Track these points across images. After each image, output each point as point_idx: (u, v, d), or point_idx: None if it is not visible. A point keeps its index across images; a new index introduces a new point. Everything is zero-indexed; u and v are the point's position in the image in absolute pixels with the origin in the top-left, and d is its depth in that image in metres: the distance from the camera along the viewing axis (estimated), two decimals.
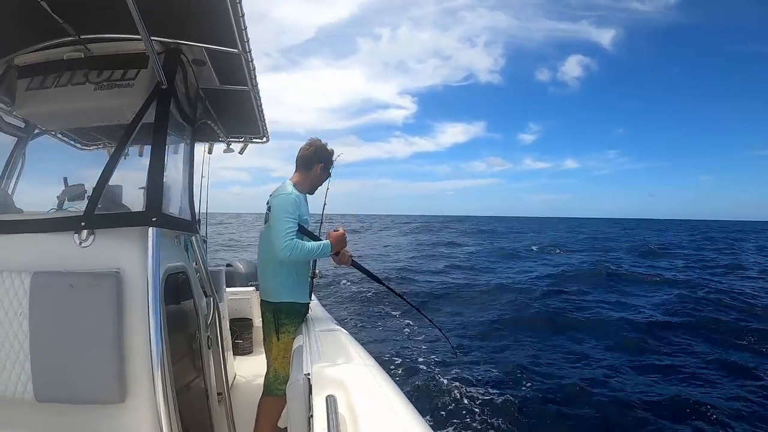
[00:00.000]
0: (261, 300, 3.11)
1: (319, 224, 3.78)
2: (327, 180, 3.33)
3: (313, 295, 4.27)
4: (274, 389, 2.85)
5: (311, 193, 3.24)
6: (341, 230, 3.09)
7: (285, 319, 2.98)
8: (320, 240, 3.04)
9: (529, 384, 7.07)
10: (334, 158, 3.27)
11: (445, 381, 7.03)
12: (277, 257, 2.81)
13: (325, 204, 3.66)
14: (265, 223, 3.07)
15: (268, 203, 3.04)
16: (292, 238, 2.78)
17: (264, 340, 3.09)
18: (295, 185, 3.04)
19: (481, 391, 6.77)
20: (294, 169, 3.22)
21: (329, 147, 3.24)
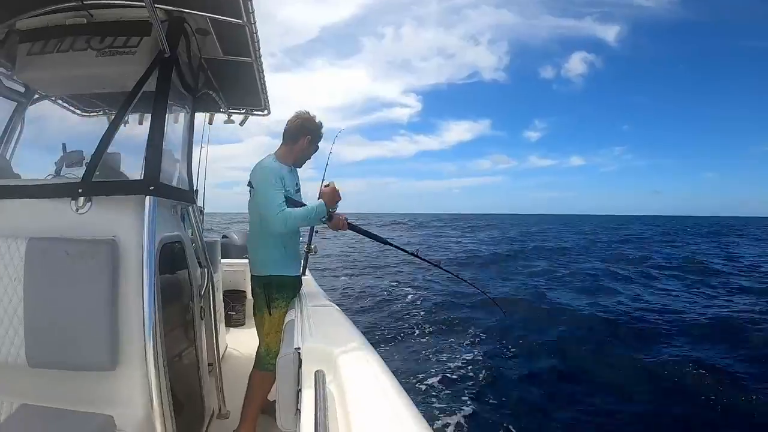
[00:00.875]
0: (251, 275, 3.07)
1: (308, 237, 3.78)
2: (327, 153, 3.37)
3: (307, 270, 4.28)
4: (266, 363, 2.85)
5: (298, 166, 3.19)
6: (332, 185, 3.02)
7: (276, 293, 2.95)
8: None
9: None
10: (322, 132, 3.19)
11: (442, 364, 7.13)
12: (272, 231, 2.80)
13: (324, 178, 3.63)
14: (250, 197, 3.03)
15: (250, 177, 3.01)
16: (284, 209, 2.74)
17: (254, 314, 3.05)
18: (276, 158, 3.00)
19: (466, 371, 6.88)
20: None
21: (317, 120, 3.15)
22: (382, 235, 3.54)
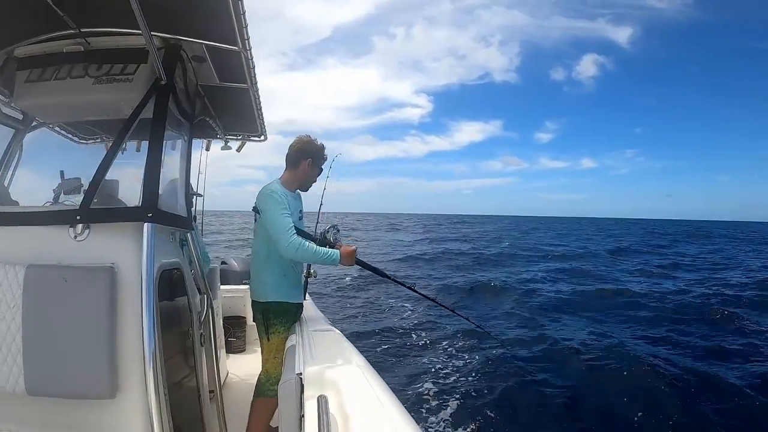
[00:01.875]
0: (251, 300, 3.09)
1: (315, 224, 3.78)
2: (324, 178, 3.34)
3: (307, 294, 4.27)
4: (266, 390, 2.84)
5: (304, 190, 3.20)
6: (353, 248, 3.07)
7: (274, 319, 2.96)
8: (315, 243, 3.02)
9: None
10: (325, 153, 3.20)
11: (443, 386, 7.06)
12: (280, 254, 2.81)
13: (321, 204, 3.65)
14: (255, 222, 3.05)
15: (256, 203, 3.01)
16: (294, 234, 2.78)
17: (259, 340, 3.07)
18: (282, 183, 3.03)
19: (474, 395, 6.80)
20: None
21: (318, 142, 3.16)
22: (388, 272, 3.65)
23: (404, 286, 3.84)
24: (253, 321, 3.11)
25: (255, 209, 2.98)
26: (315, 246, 2.86)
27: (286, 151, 3.13)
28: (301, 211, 3.14)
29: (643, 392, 6.55)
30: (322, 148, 3.17)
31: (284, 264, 2.99)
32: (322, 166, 3.23)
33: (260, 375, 2.98)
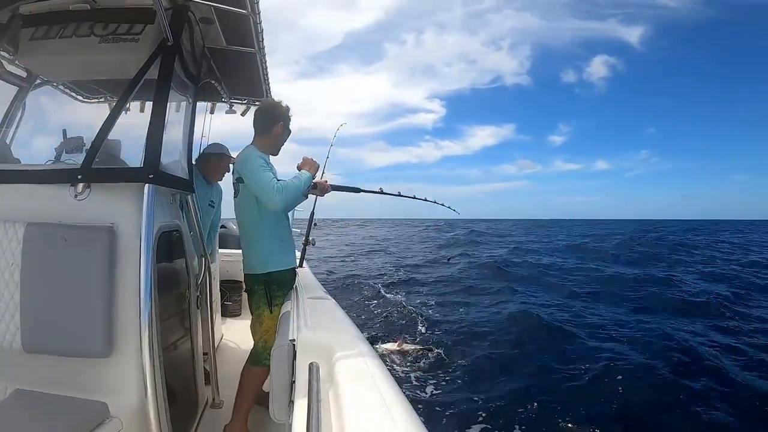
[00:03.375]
0: (246, 274, 3.02)
1: (306, 229, 3.78)
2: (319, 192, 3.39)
3: (305, 262, 4.30)
4: (264, 359, 2.80)
5: (275, 154, 3.14)
6: (306, 158, 3.10)
7: (278, 291, 2.93)
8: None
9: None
10: (290, 114, 3.14)
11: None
12: (273, 208, 2.77)
13: (313, 212, 3.66)
14: (235, 196, 3.01)
15: (234, 174, 2.98)
16: (276, 182, 2.72)
17: (252, 312, 3.00)
18: (258, 149, 2.96)
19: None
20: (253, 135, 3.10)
21: (284, 104, 3.13)
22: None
23: (374, 192, 3.86)
24: (246, 292, 3.05)
25: (237, 180, 2.94)
26: (291, 181, 2.83)
27: (254, 118, 3.08)
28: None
29: None
30: (288, 109, 3.14)
31: (278, 229, 2.99)
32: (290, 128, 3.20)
33: (257, 344, 2.94)
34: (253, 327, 3.00)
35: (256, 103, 4.19)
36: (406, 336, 8.51)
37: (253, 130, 3.09)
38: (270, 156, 3.02)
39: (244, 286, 3.03)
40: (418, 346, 7.83)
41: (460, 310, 11.07)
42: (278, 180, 2.76)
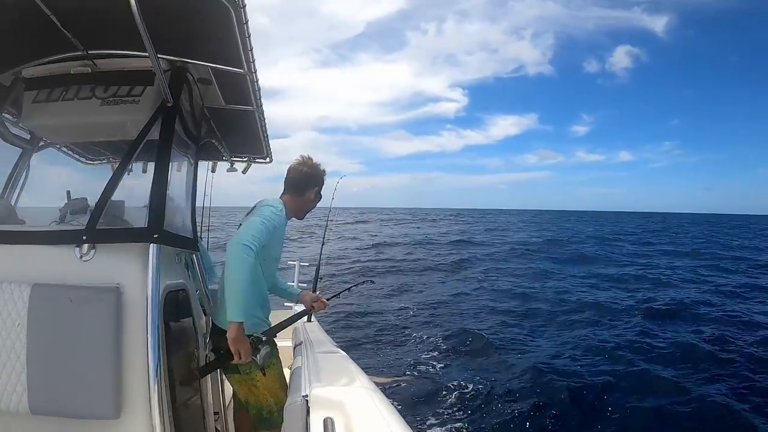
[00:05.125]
0: (222, 330, 2.45)
1: (313, 284, 3.77)
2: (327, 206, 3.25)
3: (313, 316, 4.18)
4: (280, 420, 2.32)
5: (299, 218, 2.87)
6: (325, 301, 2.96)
7: (264, 350, 2.50)
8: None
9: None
10: (325, 178, 2.87)
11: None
12: (229, 245, 2.28)
13: (318, 267, 3.73)
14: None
15: (247, 214, 2.63)
16: (255, 246, 2.27)
17: (234, 372, 2.59)
18: (284, 206, 2.64)
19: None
20: (282, 191, 2.79)
21: (322, 167, 2.83)
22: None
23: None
24: (219, 352, 2.49)
25: (240, 225, 2.52)
26: (247, 283, 2.28)
27: (289, 173, 2.78)
28: (282, 241, 2.76)
29: None
30: (325, 174, 2.86)
31: (264, 289, 2.67)
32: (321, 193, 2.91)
33: (267, 408, 2.59)
34: (243, 388, 2.64)
35: (257, 160, 4.25)
36: None
37: (283, 185, 2.80)
38: (289, 220, 2.74)
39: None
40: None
41: None
42: (258, 245, 2.30)
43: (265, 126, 3.47)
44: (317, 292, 3.51)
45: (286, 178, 2.79)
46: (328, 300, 3.03)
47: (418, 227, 53.17)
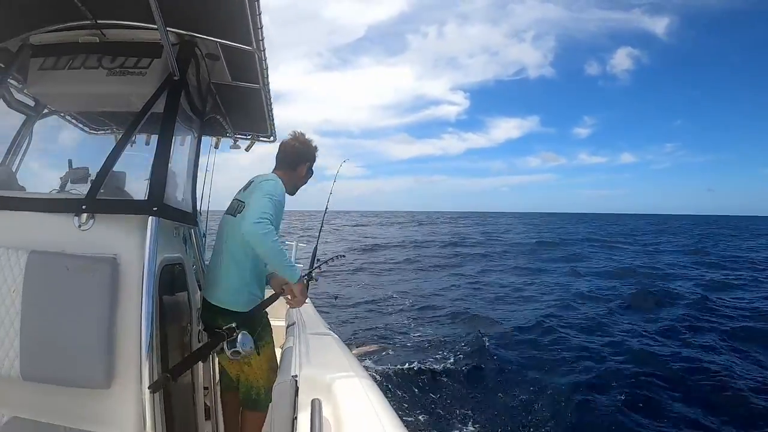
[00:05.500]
0: (220, 308, 2.59)
1: (310, 262, 3.80)
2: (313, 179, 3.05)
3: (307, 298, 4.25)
4: (267, 402, 2.56)
5: (292, 194, 2.89)
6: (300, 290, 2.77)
7: (263, 331, 2.66)
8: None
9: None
10: (316, 154, 2.95)
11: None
12: (244, 234, 2.37)
13: (327, 209, 3.63)
14: (232, 213, 2.69)
15: (242, 189, 2.74)
16: (271, 222, 2.36)
17: (223, 360, 2.70)
18: (281, 181, 2.68)
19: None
20: (274, 166, 2.87)
21: (314, 143, 2.93)
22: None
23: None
24: (217, 331, 2.39)
25: (239, 200, 2.67)
26: (285, 251, 2.52)
27: (281, 149, 2.88)
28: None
29: None
30: (317, 150, 2.95)
31: (262, 267, 2.73)
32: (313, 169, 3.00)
33: (259, 389, 2.66)
34: (235, 366, 2.71)
35: (261, 138, 4.23)
36: None
37: (275, 161, 2.89)
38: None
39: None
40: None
41: None
42: (272, 218, 2.40)
43: (270, 104, 3.46)
44: (314, 273, 3.54)
45: (278, 154, 2.88)
46: (305, 280, 2.94)
47: (416, 229, 54.95)
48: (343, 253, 3.50)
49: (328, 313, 10.32)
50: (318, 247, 4.14)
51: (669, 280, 17.30)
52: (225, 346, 2.33)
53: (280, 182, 2.65)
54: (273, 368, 2.69)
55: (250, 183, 2.73)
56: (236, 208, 2.68)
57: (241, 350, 2.35)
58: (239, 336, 2.34)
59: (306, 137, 2.91)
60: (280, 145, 2.92)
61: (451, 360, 8.29)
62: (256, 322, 2.63)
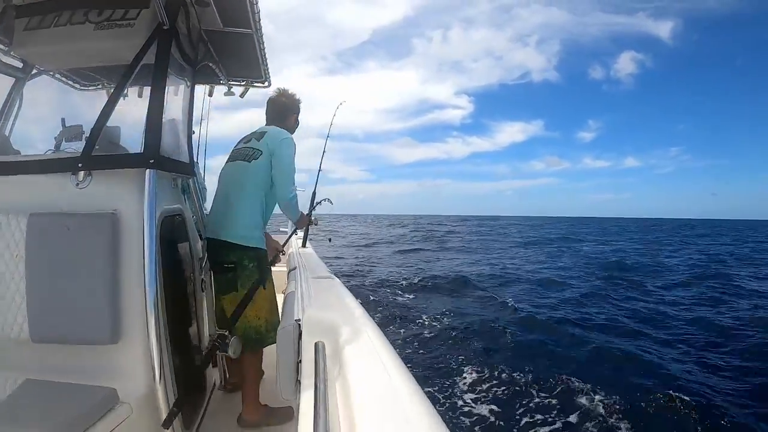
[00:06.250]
0: (229, 242, 2.75)
1: (309, 208, 3.86)
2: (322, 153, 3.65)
3: (308, 242, 4.43)
4: (268, 338, 2.76)
5: None
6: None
7: (266, 266, 2.88)
8: None
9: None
10: (300, 105, 3.33)
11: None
12: (279, 196, 2.88)
13: (315, 192, 3.90)
14: (246, 159, 2.88)
15: (257, 139, 2.94)
16: (295, 189, 2.92)
17: (231, 290, 2.78)
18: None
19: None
20: (265, 122, 3.23)
21: (297, 96, 3.31)
22: None
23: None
24: (229, 265, 2.75)
25: (259, 147, 2.88)
26: (296, 203, 3.04)
27: (270, 105, 3.23)
28: None
29: None
30: (300, 102, 3.34)
31: (268, 211, 2.98)
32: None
33: (259, 328, 2.79)
34: (235, 305, 2.77)
35: (255, 84, 4.16)
36: None
37: (266, 116, 3.24)
38: None
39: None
40: None
41: None
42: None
43: (263, 49, 3.37)
44: (312, 216, 3.84)
45: (267, 110, 3.25)
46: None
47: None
48: (329, 199, 3.71)
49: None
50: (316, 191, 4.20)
51: None
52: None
53: (292, 138, 2.99)
54: (272, 310, 2.89)
55: (262, 133, 2.98)
56: (250, 155, 2.89)
57: (232, 355, 2.58)
58: (233, 340, 2.58)
59: (290, 92, 3.30)
60: (268, 102, 3.26)
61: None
62: (266, 257, 2.94)
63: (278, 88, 3.31)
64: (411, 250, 28.98)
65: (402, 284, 14.92)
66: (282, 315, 2.44)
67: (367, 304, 9.09)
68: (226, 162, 3.03)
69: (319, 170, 4.14)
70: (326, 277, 2.94)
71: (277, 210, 3.06)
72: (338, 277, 2.97)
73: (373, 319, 1.86)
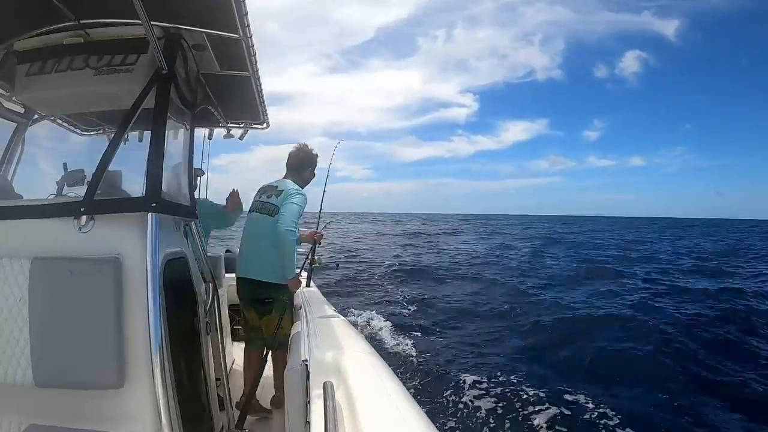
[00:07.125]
0: (268, 283, 3.44)
1: (311, 249, 4.10)
2: (322, 187, 4.07)
3: (312, 281, 4.37)
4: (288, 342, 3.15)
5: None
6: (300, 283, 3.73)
7: (291, 296, 3.57)
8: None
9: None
10: (317, 160, 3.83)
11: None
12: (276, 230, 3.33)
13: (321, 209, 4.16)
14: (266, 213, 3.52)
15: (270, 192, 3.59)
16: (296, 228, 3.35)
17: (263, 316, 3.52)
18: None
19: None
20: (285, 173, 3.74)
21: (315, 152, 3.82)
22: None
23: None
24: (268, 299, 3.50)
25: (273, 204, 3.49)
26: (294, 253, 3.47)
27: (290, 159, 3.73)
28: None
29: None
30: (317, 156, 3.84)
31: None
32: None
33: (282, 336, 3.30)
34: (272, 325, 3.40)
35: (254, 126, 4.22)
36: None
37: (286, 167, 3.77)
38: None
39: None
40: None
41: None
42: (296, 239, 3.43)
43: (261, 91, 3.42)
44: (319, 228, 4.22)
45: (287, 162, 3.76)
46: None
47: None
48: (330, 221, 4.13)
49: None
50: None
51: None
52: None
53: (305, 196, 3.58)
54: (292, 319, 3.49)
55: (281, 191, 3.55)
56: (273, 210, 3.51)
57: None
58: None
59: (308, 147, 3.81)
60: (288, 156, 3.77)
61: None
62: (288, 291, 3.51)
63: (299, 144, 3.80)
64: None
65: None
66: (289, 356, 2.43)
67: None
68: (251, 211, 3.69)
69: (321, 206, 4.31)
70: (331, 316, 2.94)
71: None
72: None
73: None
